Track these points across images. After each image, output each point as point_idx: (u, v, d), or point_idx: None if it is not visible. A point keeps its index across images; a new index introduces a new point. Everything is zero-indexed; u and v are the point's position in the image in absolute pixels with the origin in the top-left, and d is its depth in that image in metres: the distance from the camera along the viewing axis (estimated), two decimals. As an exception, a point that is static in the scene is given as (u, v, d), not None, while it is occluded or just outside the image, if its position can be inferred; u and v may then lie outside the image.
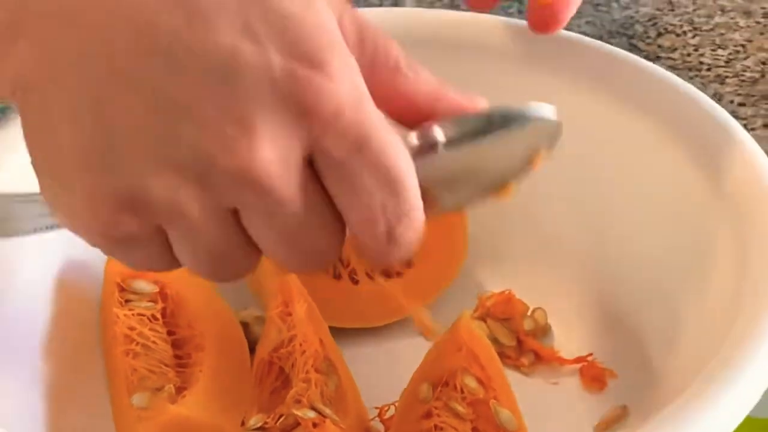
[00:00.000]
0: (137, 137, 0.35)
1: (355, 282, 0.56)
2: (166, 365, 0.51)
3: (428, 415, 0.49)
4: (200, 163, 0.35)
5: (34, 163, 0.37)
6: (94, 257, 0.52)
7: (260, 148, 0.35)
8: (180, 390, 0.50)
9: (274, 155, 0.35)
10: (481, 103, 0.40)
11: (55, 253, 0.51)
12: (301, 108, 0.35)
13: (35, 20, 0.35)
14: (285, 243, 0.37)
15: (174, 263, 0.38)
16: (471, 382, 0.49)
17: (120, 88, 0.35)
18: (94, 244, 0.38)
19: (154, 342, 0.51)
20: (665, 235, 0.52)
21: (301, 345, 0.50)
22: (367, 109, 0.36)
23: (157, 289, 0.53)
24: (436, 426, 0.48)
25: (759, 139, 0.68)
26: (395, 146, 0.36)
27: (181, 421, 0.48)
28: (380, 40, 0.39)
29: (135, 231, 0.36)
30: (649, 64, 0.55)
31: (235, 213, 0.36)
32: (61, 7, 0.35)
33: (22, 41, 0.35)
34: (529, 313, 0.55)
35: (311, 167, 0.36)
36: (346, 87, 0.35)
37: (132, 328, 0.51)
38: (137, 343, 0.51)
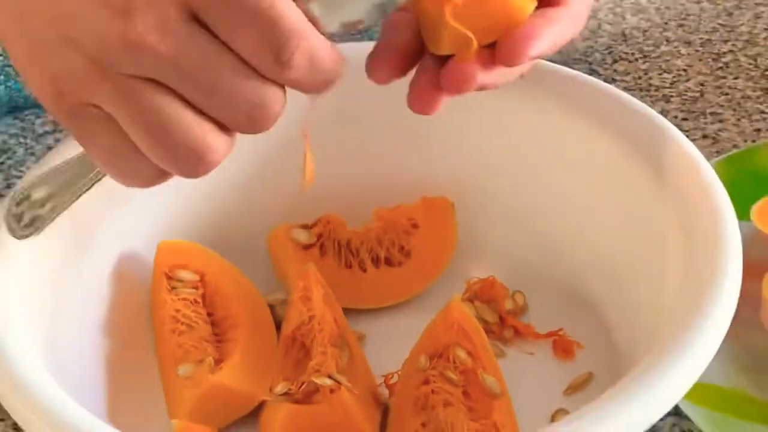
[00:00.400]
0: (48, 38, 0.35)
1: (364, 270, 0.55)
2: (207, 341, 0.51)
3: (426, 381, 0.49)
4: (100, 46, 0.34)
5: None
6: (144, 251, 0.52)
7: (135, 21, 0.33)
8: (218, 362, 0.50)
9: (149, 23, 0.34)
10: None
11: (110, 247, 0.51)
12: None
13: None
14: (218, 97, 0.34)
15: (138, 165, 0.36)
16: (462, 354, 0.49)
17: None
18: (60, 122, 0.37)
19: (195, 322, 0.51)
20: (623, 228, 0.52)
21: (319, 324, 0.50)
22: None
23: (198, 278, 0.53)
24: (432, 391, 0.48)
25: (699, 148, 0.67)
26: None
27: (219, 388, 0.48)
28: None
29: (76, 106, 0.35)
30: (607, 84, 0.55)
31: (156, 84, 0.34)
32: None
33: None
34: (509, 296, 0.55)
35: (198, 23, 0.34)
36: None
37: (177, 311, 0.51)
38: (182, 323, 0.51)
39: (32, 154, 0.66)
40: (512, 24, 0.41)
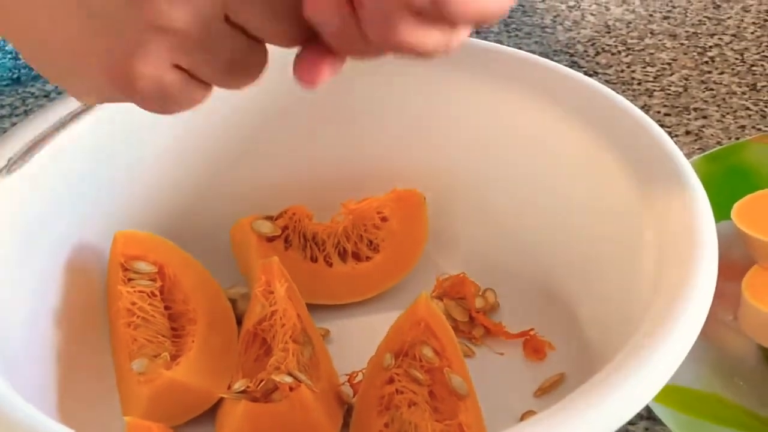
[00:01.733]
0: (111, 13, 0.35)
1: (330, 265, 0.55)
2: (163, 336, 0.51)
3: (391, 380, 0.49)
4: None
5: (46, 75, 0.38)
6: (100, 241, 0.52)
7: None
8: (175, 357, 0.49)
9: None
10: None
11: (64, 237, 0.51)
12: None
13: None
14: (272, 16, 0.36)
15: (205, 89, 0.38)
16: (428, 353, 0.49)
17: None
18: (134, 101, 0.38)
19: (152, 316, 0.51)
20: (597, 226, 0.52)
21: (281, 319, 0.50)
22: None
23: (156, 270, 0.52)
24: (397, 390, 0.48)
25: (681, 144, 0.68)
26: None
27: (174, 384, 0.48)
28: None
29: (153, 74, 0.36)
30: (586, 77, 0.55)
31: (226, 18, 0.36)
32: None
33: None
34: (480, 293, 0.55)
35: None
36: None
37: (133, 303, 0.51)
38: (138, 316, 0.51)
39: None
40: None
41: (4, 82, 0.70)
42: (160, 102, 0.38)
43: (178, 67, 0.37)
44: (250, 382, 0.48)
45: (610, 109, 0.52)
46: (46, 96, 0.70)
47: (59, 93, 0.69)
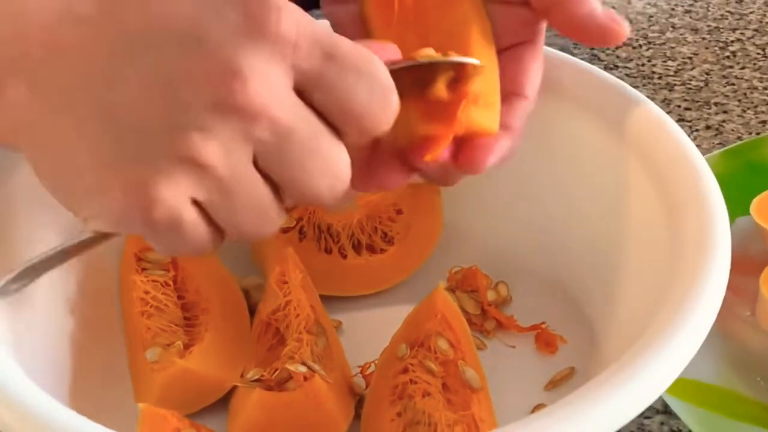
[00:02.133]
0: (146, 121, 0.35)
1: (344, 256, 0.56)
2: (176, 325, 0.51)
3: (405, 371, 0.49)
4: (210, 113, 0.34)
5: (58, 195, 0.37)
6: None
7: (251, 81, 0.34)
8: (188, 347, 0.50)
9: (265, 87, 0.35)
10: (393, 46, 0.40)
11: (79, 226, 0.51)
12: (268, 37, 0.35)
13: (15, 65, 0.35)
14: (301, 171, 0.36)
15: (216, 237, 0.37)
16: (443, 344, 0.49)
17: (115, 86, 0.34)
18: (143, 235, 0.37)
19: (165, 305, 0.51)
20: (610, 221, 0.52)
21: (295, 309, 0.50)
22: (320, 25, 0.36)
23: (169, 260, 0.53)
24: (411, 380, 0.49)
25: (701, 139, 0.68)
26: (358, 47, 0.37)
27: (187, 372, 0.48)
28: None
29: (173, 205, 0.35)
30: (602, 72, 0.54)
31: (255, 163, 0.36)
32: (29, 52, 0.35)
33: (10, 89, 0.35)
34: (492, 286, 0.55)
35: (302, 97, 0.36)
36: (297, 12, 0.35)
37: (147, 293, 0.51)
38: (151, 306, 0.51)
39: None
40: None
41: None
42: (171, 237, 0.37)
43: (197, 204, 0.36)
44: (264, 372, 0.48)
45: (627, 104, 0.52)
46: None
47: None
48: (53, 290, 0.49)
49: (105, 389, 0.49)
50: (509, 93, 0.47)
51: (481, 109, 0.44)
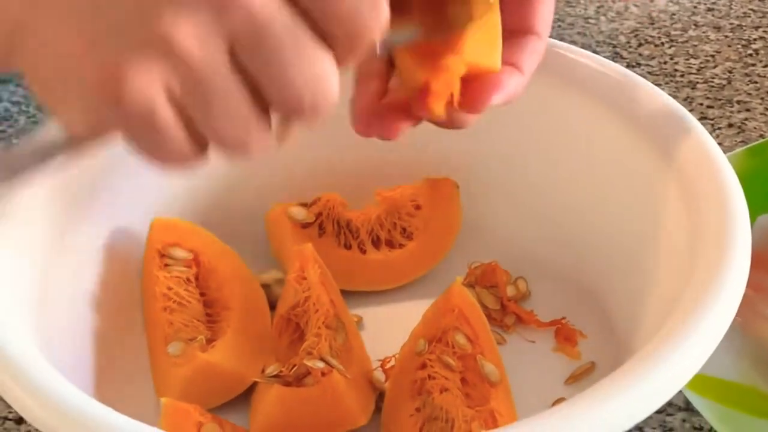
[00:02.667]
0: (117, 26, 0.34)
1: (363, 252, 0.56)
2: (198, 321, 0.52)
3: (423, 366, 0.49)
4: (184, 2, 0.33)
5: (48, 99, 0.36)
6: (136, 227, 0.53)
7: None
8: (209, 342, 0.50)
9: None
10: None
11: (103, 222, 0.52)
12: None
13: None
14: (279, 67, 0.34)
15: (197, 146, 0.36)
16: (461, 339, 0.50)
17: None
18: (119, 131, 0.35)
19: (188, 301, 0.52)
20: (630, 217, 0.52)
21: (314, 305, 0.51)
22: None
23: (192, 257, 0.53)
24: (429, 375, 0.49)
25: (724, 137, 0.68)
26: None
27: (209, 367, 0.49)
28: None
29: (144, 93, 0.34)
30: (623, 69, 0.55)
31: (231, 60, 0.34)
32: None
33: None
34: (511, 282, 0.55)
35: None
36: None
37: (170, 288, 0.52)
38: (174, 301, 0.52)
39: (34, 122, 0.68)
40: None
41: None
42: (147, 135, 0.35)
43: (173, 103, 0.35)
44: (283, 367, 0.49)
45: (648, 102, 0.52)
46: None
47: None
48: (77, 285, 0.50)
49: (127, 383, 0.50)
50: (518, 30, 0.45)
51: (481, 46, 0.43)
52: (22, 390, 0.40)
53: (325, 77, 0.35)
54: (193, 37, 0.34)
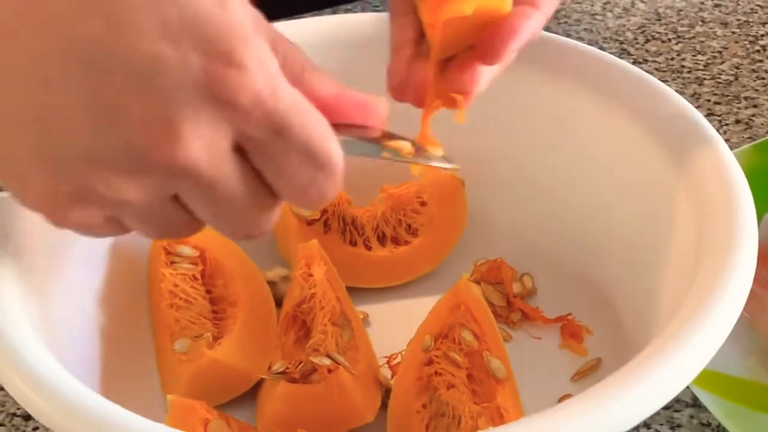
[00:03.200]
0: (74, 140, 0.34)
1: (369, 248, 0.56)
2: (205, 318, 0.52)
3: (430, 362, 0.50)
4: (134, 162, 0.34)
5: None
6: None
7: (185, 143, 0.34)
8: (216, 339, 0.51)
9: (199, 147, 0.34)
10: (379, 105, 0.39)
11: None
12: (222, 102, 0.34)
13: None
14: (223, 218, 0.37)
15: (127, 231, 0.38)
16: (467, 336, 0.50)
17: (54, 95, 0.33)
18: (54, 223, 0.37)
19: (194, 298, 0.52)
20: (636, 214, 0.52)
21: (320, 302, 0.51)
22: (284, 95, 0.35)
23: (198, 254, 0.54)
24: (436, 372, 0.49)
25: (731, 134, 0.68)
26: (314, 124, 0.36)
27: (216, 364, 0.49)
28: (289, 48, 0.38)
29: (86, 220, 0.36)
30: (629, 65, 0.55)
31: (176, 196, 0.36)
32: None
33: None
34: (517, 278, 0.56)
35: (242, 153, 0.35)
36: (261, 78, 0.34)
37: (176, 285, 0.52)
38: (180, 298, 0.52)
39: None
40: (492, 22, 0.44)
41: None
42: (82, 233, 0.37)
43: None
44: (289, 364, 0.49)
45: (655, 98, 0.52)
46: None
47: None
48: (83, 282, 0.50)
49: (133, 380, 0.50)
50: None
51: None
52: (29, 387, 0.40)
53: (259, 227, 0.38)
54: (136, 191, 0.35)
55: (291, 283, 0.53)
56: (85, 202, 0.35)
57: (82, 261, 0.50)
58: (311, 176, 0.36)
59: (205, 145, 0.34)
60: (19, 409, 0.52)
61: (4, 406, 0.52)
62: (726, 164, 0.48)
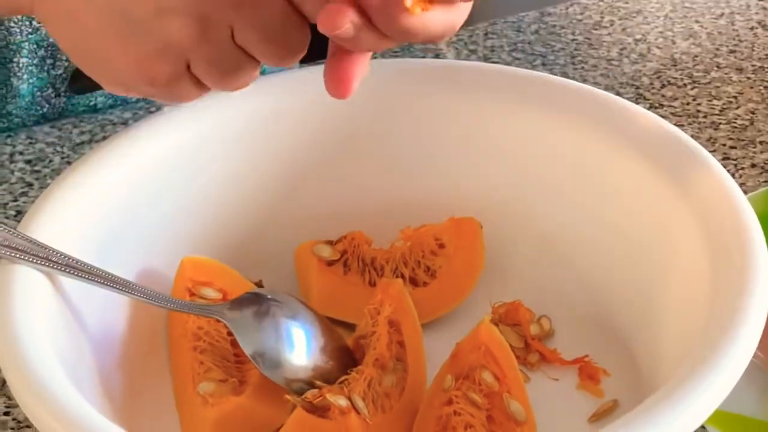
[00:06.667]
0: (143, 23, 0.45)
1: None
2: (228, 361, 0.53)
3: (450, 402, 0.50)
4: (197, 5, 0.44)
5: (75, 57, 0.48)
6: (164, 265, 0.55)
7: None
8: (241, 383, 0.51)
9: None
10: None
11: (131, 259, 0.53)
12: None
13: None
14: (266, 39, 0.45)
15: (202, 89, 0.48)
16: (488, 377, 0.51)
17: None
18: (144, 95, 0.49)
19: (217, 341, 0.53)
20: (651, 256, 0.53)
21: (374, 342, 0.52)
22: None
23: (221, 296, 0.54)
24: (455, 411, 0.50)
25: (747, 177, 0.70)
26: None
27: (242, 410, 0.50)
28: None
29: (170, 70, 0.46)
30: (644, 110, 0.56)
31: (231, 34, 0.45)
32: None
33: None
34: (535, 320, 0.56)
35: None
36: None
37: (200, 327, 0.53)
38: (204, 341, 0.52)
39: (68, 162, 0.70)
40: None
41: (81, 108, 0.75)
42: (168, 95, 0.48)
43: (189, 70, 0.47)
44: (318, 391, 0.49)
45: (670, 143, 0.54)
46: (123, 123, 0.74)
47: (136, 119, 0.73)
48: (106, 320, 0.51)
49: (153, 420, 0.51)
50: None
51: None
52: (54, 419, 0.41)
53: (248, 80, 0.48)
54: (203, 39, 0.46)
55: (366, 312, 0.54)
56: (165, 53, 0.45)
57: (105, 299, 0.51)
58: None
59: None
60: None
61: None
62: (740, 209, 0.49)
